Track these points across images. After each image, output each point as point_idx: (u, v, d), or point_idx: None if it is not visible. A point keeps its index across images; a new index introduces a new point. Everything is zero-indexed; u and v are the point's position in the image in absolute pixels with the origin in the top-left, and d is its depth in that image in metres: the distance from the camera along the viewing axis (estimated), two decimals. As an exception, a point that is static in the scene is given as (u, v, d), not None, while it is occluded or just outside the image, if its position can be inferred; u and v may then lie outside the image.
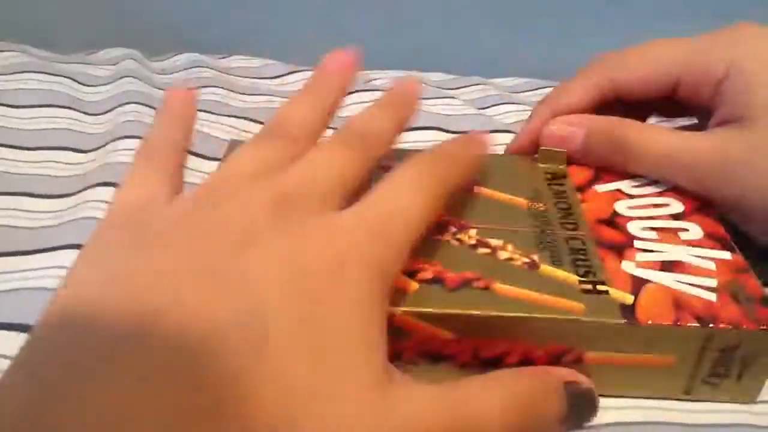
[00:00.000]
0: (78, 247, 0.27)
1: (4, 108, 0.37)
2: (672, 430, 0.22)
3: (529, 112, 0.31)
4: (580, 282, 0.22)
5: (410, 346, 0.18)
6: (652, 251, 0.24)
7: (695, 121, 0.31)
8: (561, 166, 0.29)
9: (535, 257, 0.23)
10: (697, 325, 0.21)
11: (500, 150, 0.37)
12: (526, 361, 0.22)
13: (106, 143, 0.35)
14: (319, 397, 0.15)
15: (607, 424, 0.22)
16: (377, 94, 0.42)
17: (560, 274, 0.22)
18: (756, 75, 0.26)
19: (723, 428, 0.22)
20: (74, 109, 0.38)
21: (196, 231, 0.18)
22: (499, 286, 0.21)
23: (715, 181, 0.26)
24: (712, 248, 0.24)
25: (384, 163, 0.22)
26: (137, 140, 0.34)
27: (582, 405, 0.21)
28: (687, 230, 0.25)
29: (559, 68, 0.37)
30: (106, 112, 0.38)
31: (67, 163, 0.34)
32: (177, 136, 0.24)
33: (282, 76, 0.45)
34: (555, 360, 0.21)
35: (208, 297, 0.16)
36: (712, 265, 0.23)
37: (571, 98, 0.29)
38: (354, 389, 0.16)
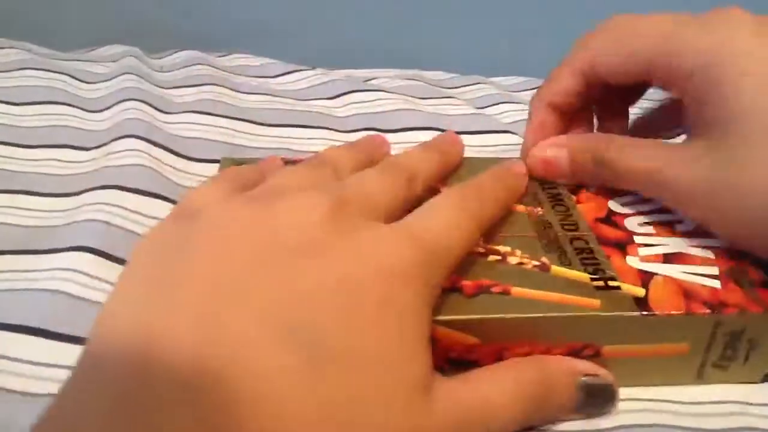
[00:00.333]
0: (78, 249, 0.27)
1: (4, 105, 0.37)
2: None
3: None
4: (592, 279, 0.23)
5: (435, 354, 0.19)
6: (652, 245, 0.25)
7: None
8: None
9: (545, 259, 0.23)
10: (709, 311, 0.22)
11: (500, 150, 0.38)
12: None
13: (107, 142, 0.35)
14: (370, 404, 0.16)
15: (613, 428, 0.22)
16: (377, 94, 0.42)
17: (571, 273, 0.23)
18: (726, 73, 0.23)
19: (723, 429, 0.22)
20: (74, 106, 0.38)
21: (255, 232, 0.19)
22: (517, 290, 0.22)
23: (699, 207, 0.24)
24: (707, 237, 0.25)
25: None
26: (137, 139, 0.34)
27: (600, 395, 0.22)
28: (680, 222, 0.26)
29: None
30: (106, 109, 0.38)
31: (67, 161, 0.34)
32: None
33: (282, 75, 0.45)
34: (574, 356, 0.22)
35: (256, 315, 0.17)
36: (710, 254, 0.24)
37: (560, 85, 0.28)
38: (404, 397, 0.17)
